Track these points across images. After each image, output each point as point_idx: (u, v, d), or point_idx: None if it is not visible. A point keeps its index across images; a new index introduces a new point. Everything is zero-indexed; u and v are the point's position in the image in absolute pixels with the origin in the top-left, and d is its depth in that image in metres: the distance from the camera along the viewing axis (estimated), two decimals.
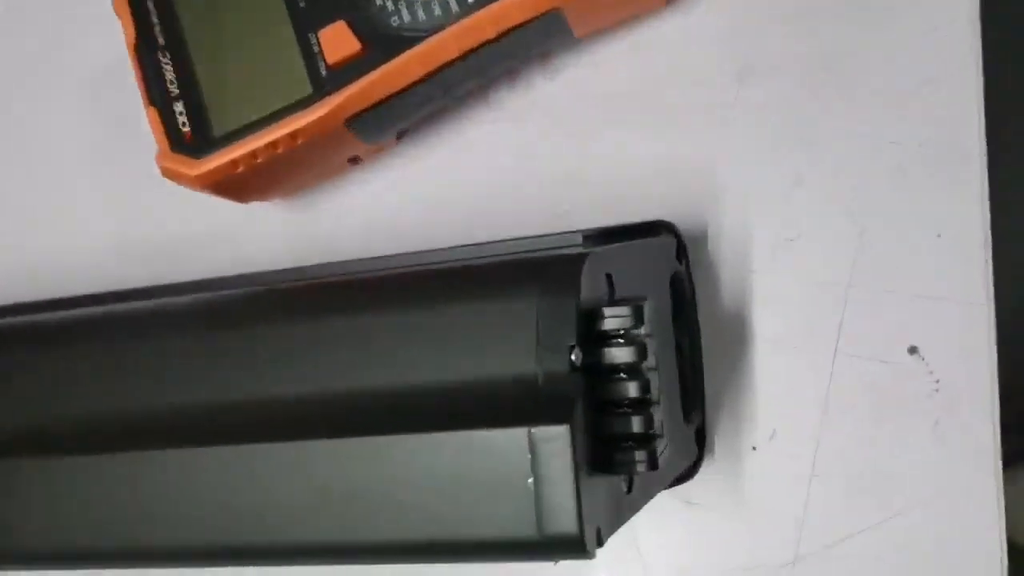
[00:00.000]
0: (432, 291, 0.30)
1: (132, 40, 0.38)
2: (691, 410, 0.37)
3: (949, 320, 0.36)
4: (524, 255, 0.31)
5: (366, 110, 0.36)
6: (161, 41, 0.37)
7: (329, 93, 0.36)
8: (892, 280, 0.36)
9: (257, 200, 0.41)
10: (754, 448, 0.38)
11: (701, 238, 0.38)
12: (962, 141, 0.35)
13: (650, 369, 0.31)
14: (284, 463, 0.29)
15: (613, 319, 0.29)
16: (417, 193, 0.41)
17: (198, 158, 0.37)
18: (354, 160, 0.41)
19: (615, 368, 0.30)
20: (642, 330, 0.30)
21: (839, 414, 0.37)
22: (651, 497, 0.33)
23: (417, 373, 0.29)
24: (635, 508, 0.32)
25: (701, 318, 0.38)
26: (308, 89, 0.36)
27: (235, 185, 0.38)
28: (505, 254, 0.33)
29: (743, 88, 0.37)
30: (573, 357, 0.28)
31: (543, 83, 0.40)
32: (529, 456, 0.28)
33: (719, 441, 0.38)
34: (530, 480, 0.28)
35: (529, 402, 0.28)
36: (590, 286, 0.29)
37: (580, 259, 0.29)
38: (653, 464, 0.30)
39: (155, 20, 0.38)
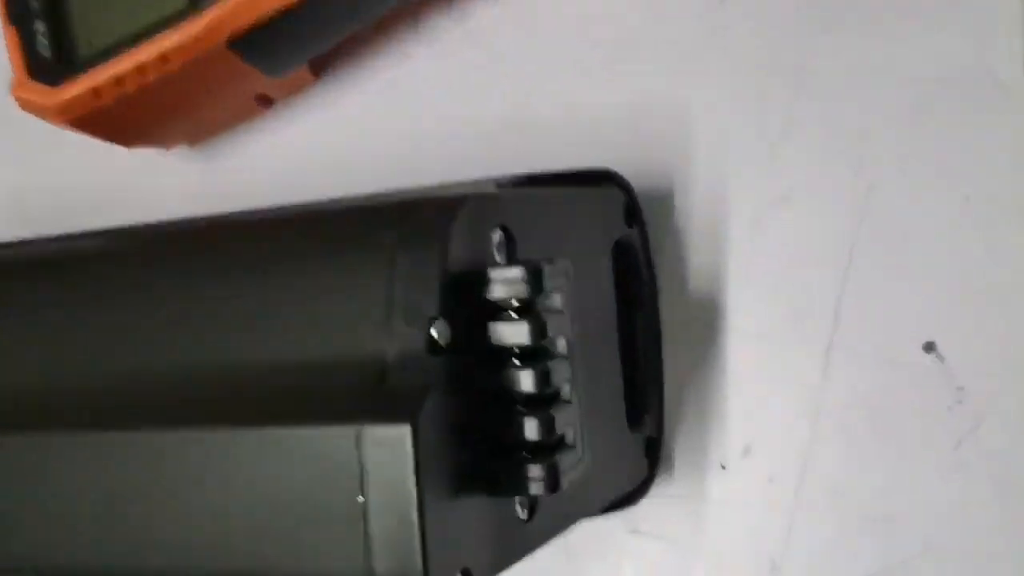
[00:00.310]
0: (265, 244, 0.24)
1: None
2: (641, 414, 0.29)
3: (977, 310, 0.28)
4: (394, 200, 0.24)
5: (253, 28, 0.30)
6: None
7: (206, 6, 0.30)
8: (905, 255, 0.28)
9: (149, 144, 0.35)
10: (723, 467, 0.30)
11: (665, 199, 0.30)
12: (998, 76, 0.27)
13: (557, 356, 0.24)
14: (38, 457, 0.22)
15: (501, 285, 0.22)
16: (338, 139, 0.35)
17: (57, 86, 0.31)
18: (264, 100, 0.35)
19: (504, 352, 0.22)
20: (551, 301, 0.23)
21: (832, 428, 0.29)
22: (567, 526, 0.26)
23: (231, 349, 0.22)
24: (541, 539, 0.25)
25: (662, 300, 0.30)
26: (183, 1, 0.30)
27: (108, 122, 0.32)
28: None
29: (720, 11, 0.30)
30: (434, 332, 0.21)
31: (483, 8, 0.33)
32: (358, 466, 0.20)
33: (679, 456, 0.30)
34: (359, 498, 0.21)
35: (367, 392, 0.21)
36: (471, 240, 0.22)
37: (457, 202, 0.22)
38: (553, 484, 0.23)
39: None
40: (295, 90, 0.35)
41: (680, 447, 0.30)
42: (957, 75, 0.28)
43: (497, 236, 0.23)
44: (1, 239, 0.32)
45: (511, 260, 0.23)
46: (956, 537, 0.28)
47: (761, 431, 0.30)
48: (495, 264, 0.23)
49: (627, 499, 0.29)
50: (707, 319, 0.30)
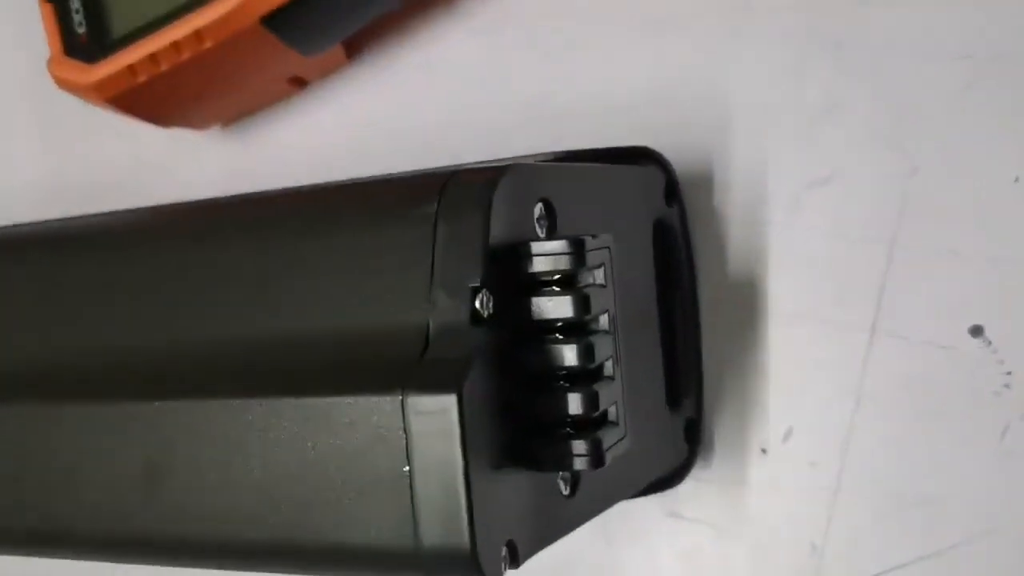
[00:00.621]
0: (307, 216, 0.23)
1: None
2: (681, 396, 0.29)
3: None
4: (434, 172, 0.24)
5: (286, 5, 0.30)
6: None
7: None
8: (951, 236, 0.28)
9: (183, 125, 0.35)
10: (764, 450, 0.29)
11: (704, 179, 0.30)
12: None
13: (600, 331, 0.23)
14: (84, 427, 0.22)
15: (543, 258, 0.22)
16: (372, 120, 0.34)
17: (93, 63, 0.31)
18: (297, 82, 0.34)
19: (547, 326, 0.22)
20: (592, 276, 0.23)
21: (875, 412, 0.28)
22: (610, 504, 0.26)
23: (273, 320, 0.22)
24: (582, 517, 0.24)
25: (701, 281, 0.30)
26: None
27: (143, 100, 0.32)
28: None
29: None
30: (477, 304, 0.21)
31: None
32: (403, 435, 0.20)
33: (719, 438, 0.30)
34: (405, 468, 0.20)
35: (411, 361, 0.21)
36: (513, 211, 0.22)
37: (498, 172, 0.22)
38: (597, 460, 0.22)
39: None
40: (329, 71, 0.34)
41: (720, 430, 0.30)
42: (1007, 51, 0.27)
43: (538, 209, 0.23)
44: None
45: (552, 234, 0.23)
46: (1004, 524, 0.27)
47: (802, 415, 0.29)
48: (536, 237, 0.23)
49: (666, 481, 0.29)
50: (746, 300, 0.30)
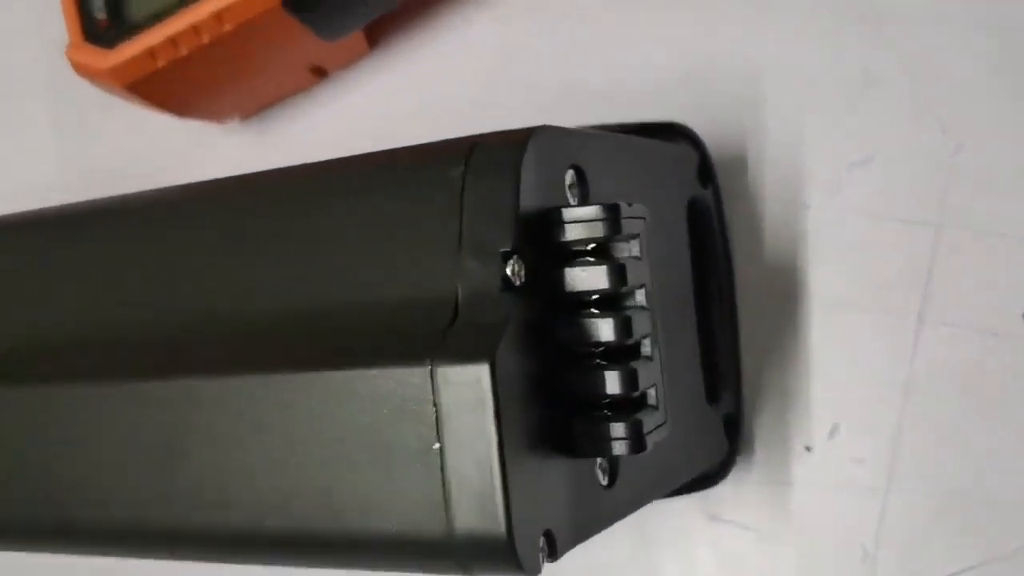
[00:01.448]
0: (330, 185, 0.22)
1: None
2: (720, 389, 0.27)
3: None
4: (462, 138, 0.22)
5: None
6: None
7: None
8: (1000, 218, 0.27)
9: (202, 115, 0.34)
10: (808, 448, 0.28)
11: (738, 160, 0.29)
12: None
13: (637, 307, 0.22)
14: (100, 407, 0.21)
15: (576, 225, 0.20)
16: (396, 109, 0.33)
17: (111, 48, 0.30)
18: (318, 71, 0.33)
19: (581, 299, 0.21)
20: (627, 248, 0.21)
21: (926, 405, 0.27)
22: (649, 500, 0.24)
23: (296, 290, 0.21)
24: (621, 510, 0.23)
25: (737, 267, 0.28)
26: None
27: (162, 88, 0.31)
28: None
29: None
30: (509, 270, 0.20)
31: None
32: (433, 409, 0.19)
33: (760, 436, 0.28)
34: (435, 445, 0.19)
35: (440, 330, 0.19)
36: (543, 176, 0.21)
37: (527, 134, 0.20)
38: (637, 444, 0.21)
39: None
40: (350, 60, 0.34)
41: (761, 427, 0.29)
42: None
43: (569, 176, 0.22)
44: None
45: (584, 202, 0.22)
46: None
47: (848, 409, 0.28)
48: (568, 204, 0.21)
49: (706, 480, 0.28)
50: (785, 287, 0.28)
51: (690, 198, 0.27)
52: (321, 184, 0.22)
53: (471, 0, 0.32)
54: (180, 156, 0.36)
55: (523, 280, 0.20)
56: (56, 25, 0.34)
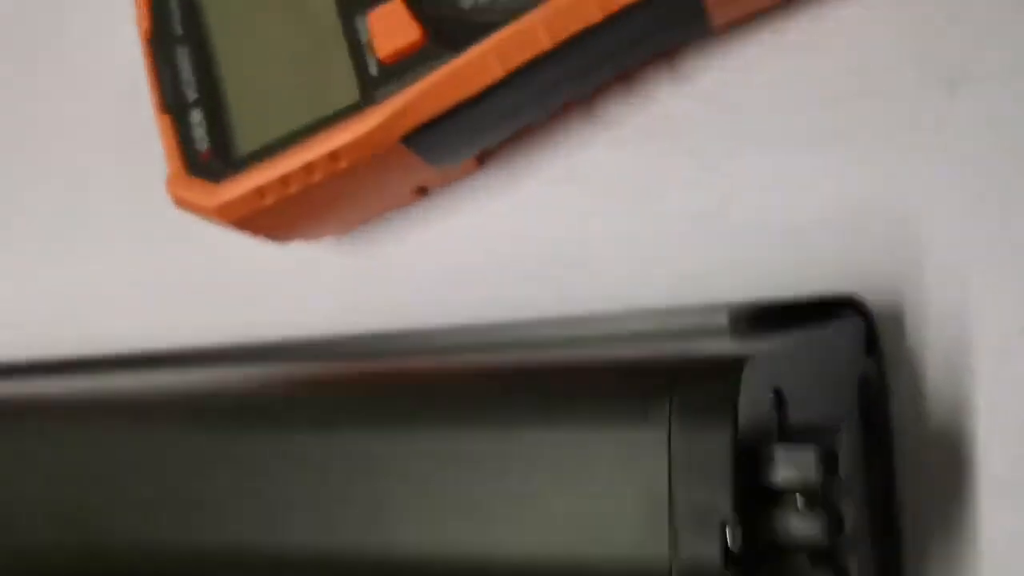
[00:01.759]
0: (494, 408, 0.20)
1: (147, 29, 0.30)
2: None
3: None
4: (647, 358, 0.20)
5: (430, 123, 0.27)
6: (179, 31, 0.30)
7: (380, 99, 0.27)
8: None
9: (302, 238, 0.33)
10: None
11: (895, 320, 0.27)
12: None
13: (846, 551, 0.20)
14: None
15: (788, 468, 0.18)
16: (504, 234, 0.32)
17: (217, 183, 0.29)
18: (422, 191, 0.32)
19: (789, 548, 0.19)
20: (842, 489, 0.19)
21: None
22: None
23: (464, 543, 0.19)
24: None
25: (895, 441, 0.26)
26: (354, 94, 0.28)
27: (267, 220, 0.30)
28: (615, 338, 0.23)
29: (954, 99, 0.27)
30: (729, 541, 0.18)
31: (668, 93, 0.30)
32: None
33: None
34: None
35: None
36: (747, 408, 0.19)
37: (734, 366, 0.19)
38: None
39: (174, 5, 0.30)
40: (456, 178, 0.32)
41: None
42: None
43: (770, 402, 0.20)
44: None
45: (783, 429, 0.20)
46: None
47: None
48: (771, 435, 0.19)
49: None
50: (951, 464, 0.26)
51: (861, 376, 0.25)
52: (475, 406, 0.20)
53: (588, 121, 0.31)
54: (274, 273, 0.35)
55: (741, 544, 0.18)
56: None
